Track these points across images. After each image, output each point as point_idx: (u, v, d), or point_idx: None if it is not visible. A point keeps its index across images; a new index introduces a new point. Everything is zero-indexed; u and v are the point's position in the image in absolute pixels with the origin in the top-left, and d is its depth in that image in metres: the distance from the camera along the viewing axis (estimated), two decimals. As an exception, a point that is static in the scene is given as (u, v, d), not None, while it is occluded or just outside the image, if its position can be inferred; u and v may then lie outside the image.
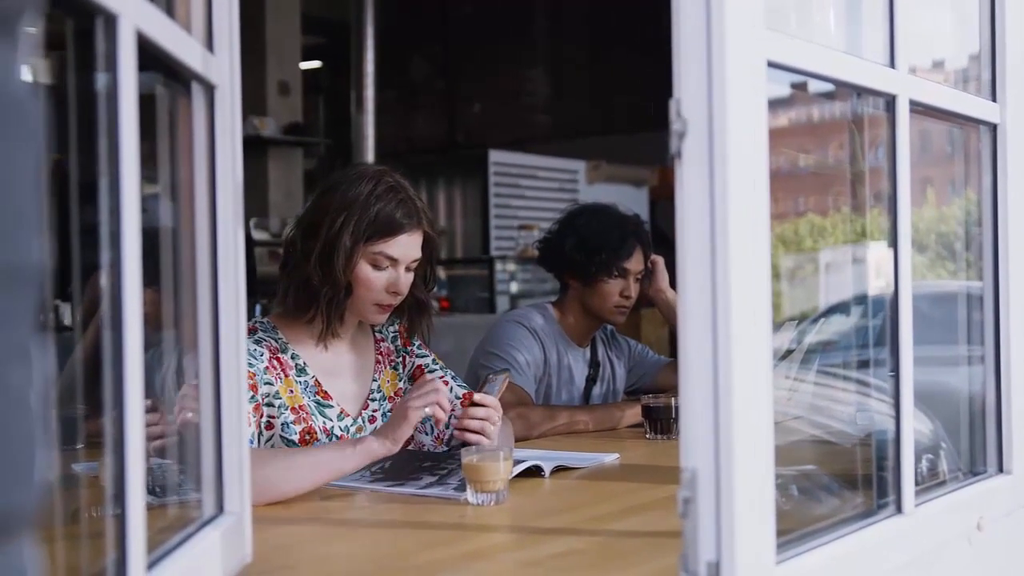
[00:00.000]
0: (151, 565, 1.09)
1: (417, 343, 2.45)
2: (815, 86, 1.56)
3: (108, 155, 1.01)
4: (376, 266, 2.20)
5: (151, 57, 1.12)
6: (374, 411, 2.33)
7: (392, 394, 2.37)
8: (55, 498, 1.12)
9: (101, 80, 1.02)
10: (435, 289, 2.54)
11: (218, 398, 1.37)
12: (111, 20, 1.00)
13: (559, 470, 2.18)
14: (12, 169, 0.57)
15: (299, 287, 2.21)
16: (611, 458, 2.35)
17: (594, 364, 3.15)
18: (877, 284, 1.92)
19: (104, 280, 1.01)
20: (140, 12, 1.05)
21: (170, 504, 1.46)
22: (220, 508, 1.37)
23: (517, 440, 2.67)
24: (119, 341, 1.01)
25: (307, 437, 2.18)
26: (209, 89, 1.35)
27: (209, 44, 1.35)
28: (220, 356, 1.37)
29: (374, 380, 2.36)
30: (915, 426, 1.56)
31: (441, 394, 2.01)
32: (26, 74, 0.60)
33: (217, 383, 1.37)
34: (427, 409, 1.97)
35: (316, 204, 2.24)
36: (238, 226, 1.39)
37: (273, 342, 2.21)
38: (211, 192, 1.36)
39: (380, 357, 2.39)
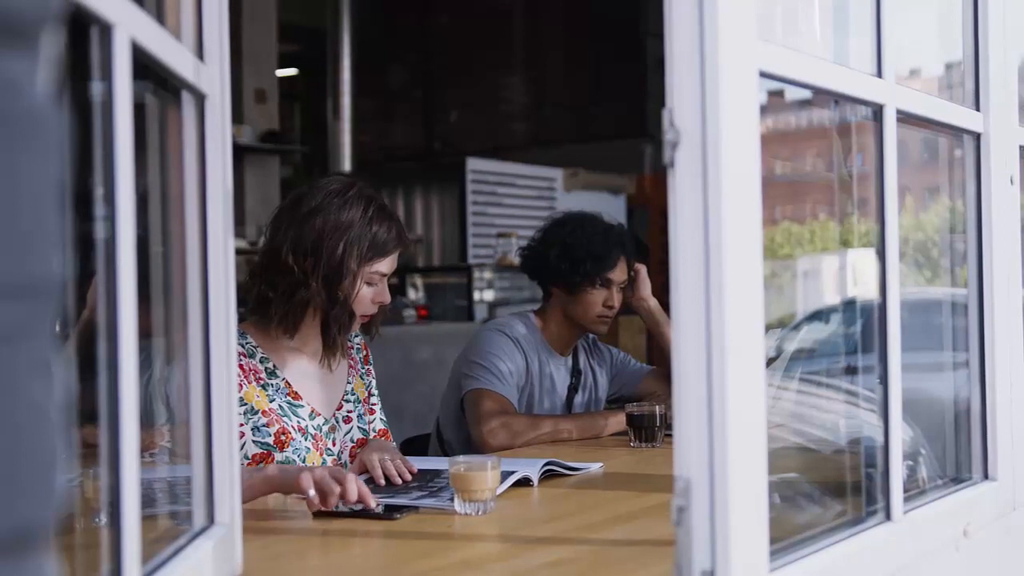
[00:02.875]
0: (145, 578, 1.08)
1: (370, 364, 2.54)
2: (792, 94, 1.56)
3: (103, 163, 1.00)
4: (370, 283, 2.30)
5: (142, 66, 1.11)
6: (349, 411, 2.41)
7: (363, 399, 2.46)
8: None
9: (95, 89, 1.01)
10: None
11: (208, 409, 1.36)
12: (106, 29, 0.99)
13: (548, 477, 2.19)
14: (34, 182, 0.57)
15: (299, 307, 2.25)
16: (596, 467, 2.36)
17: (576, 373, 3.15)
18: (856, 291, 1.93)
19: (100, 290, 1.00)
20: (135, 21, 1.04)
21: (158, 515, 1.45)
22: (211, 519, 1.36)
23: (501, 449, 2.68)
24: (114, 351, 1.00)
25: (282, 438, 2.23)
26: (200, 98, 1.34)
27: (200, 53, 1.34)
28: (210, 366, 1.37)
29: (348, 382, 2.43)
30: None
31: (330, 500, 1.84)
32: (47, 85, 0.59)
33: (208, 394, 1.36)
34: (311, 492, 1.82)
35: (302, 225, 2.25)
36: (228, 235, 1.39)
37: (240, 347, 2.22)
38: (201, 202, 1.36)
39: (352, 362, 2.47)
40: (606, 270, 2.99)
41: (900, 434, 1.54)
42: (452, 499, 1.89)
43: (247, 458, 2.18)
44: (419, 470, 2.20)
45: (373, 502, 1.86)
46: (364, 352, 2.53)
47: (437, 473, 2.17)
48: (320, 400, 2.34)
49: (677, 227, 1.18)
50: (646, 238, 7.43)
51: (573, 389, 3.13)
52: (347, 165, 8.78)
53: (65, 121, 0.62)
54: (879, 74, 1.53)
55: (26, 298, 0.57)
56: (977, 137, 1.84)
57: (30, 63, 0.58)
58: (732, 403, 1.16)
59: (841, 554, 1.40)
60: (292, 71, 10.30)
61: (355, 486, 1.83)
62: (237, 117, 7.40)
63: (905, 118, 1.60)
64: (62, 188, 0.61)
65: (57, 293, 0.61)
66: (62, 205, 0.61)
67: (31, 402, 0.57)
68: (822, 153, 1.98)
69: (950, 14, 1.92)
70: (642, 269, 3.12)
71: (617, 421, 2.84)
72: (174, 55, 1.21)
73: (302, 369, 2.34)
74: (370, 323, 2.40)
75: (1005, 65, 1.86)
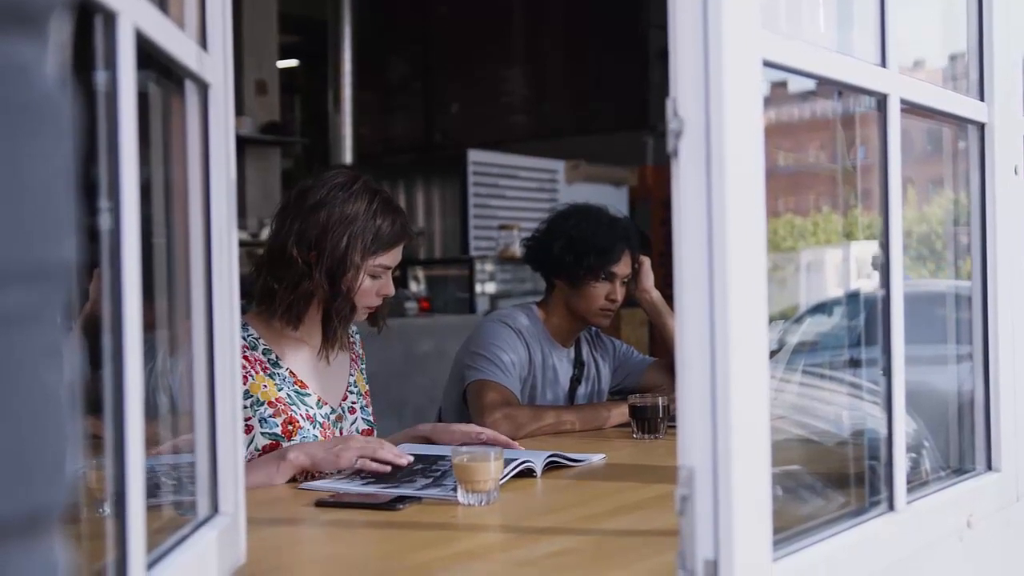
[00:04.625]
0: (150, 565, 1.08)
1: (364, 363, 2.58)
2: (796, 85, 1.56)
3: (107, 153, 1.00)
4: (373, 276, 2.31)
5: (146, 55, 1.11)
6: (352, 403, 2.43)
7: (363, 391, 2.49)
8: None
9: (99, 77, 1.01)
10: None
11: (212, 398, 1.36)
12: (110, 18, 0.99)
13: (551, 468, 2.19)
14: (46, 167, 0.57)
15: (303, 299, 2.28)
16: (599, 458, 2.36)
17: (579, 364, 3.15)
18: (860, 283, 1.93)
19: (104, 281, 1.00)
20: (139, 10, 1.04)
21: (162, 504, 1.45)
22: (215, 508, 1.36)
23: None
24: (118, 342, 1.00)
25: (289, 427, 2.25)
26: (203, 88, 1.34)
27: (203, 42, 1.34)
28: (214, 356, 1.37)
29: (351, 375, 2.45)
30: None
31: (379, 452, 2.11)
32: (56, 70, 0.59)
33: (211, 383, 1.36)
34: (359, 463, 2.09)
35: (307, 218, 2.27)
36: (232, 225, 1.39)
37: (242, 340, 2.23)
38: (205, 191, 1.36)
39: (353, 355, 2.49)
40: (610, 264, 2.99)
41: (904, 425, 1.54)
42: (455, 489, 1.89)
43: (257, 449, 2.20)
44: (421, 455, 2.21)
45: (404, 460, 2.10)
46: (361, 351, 2.56)
47: (440, 457, 2.18)
48: (325, 390, 2.37)
49: (680, 216, 1.18)
50: (648, 230, 7.43)
51: (576, 381, 3.13)
52: (348, 157, 8.78)
53: (74, 107, 0.62)
54: (883, 64, 1.53)
55: (37, 283, 0.58)
56: (981, 127, 1.83)
57: (40, 49, 0.58)
58: (735, 392, 1.16)
59: (844, 544, 1.40)
60: (293, 62, 10.30)
61: (387, 451, 2.11)
62: (238, 108, 7.36)
63: (909, 108, 1.60)
64: (72, 174, 0.61)
65: (68, 279, 0.61)
66: (73, 191, 0.61)
67: (43, 386, 0.57)
68: (825, 145, 1.98)
69: (956, 4, 1.92)
70: (645, 261, 3.12)
71: (620, 412, 2.84)
72: (177, 44, 1.21)
73: (305, 360, 2.36)
74: (376, 315, 2.41)
75: (1010, 55, 1.86)
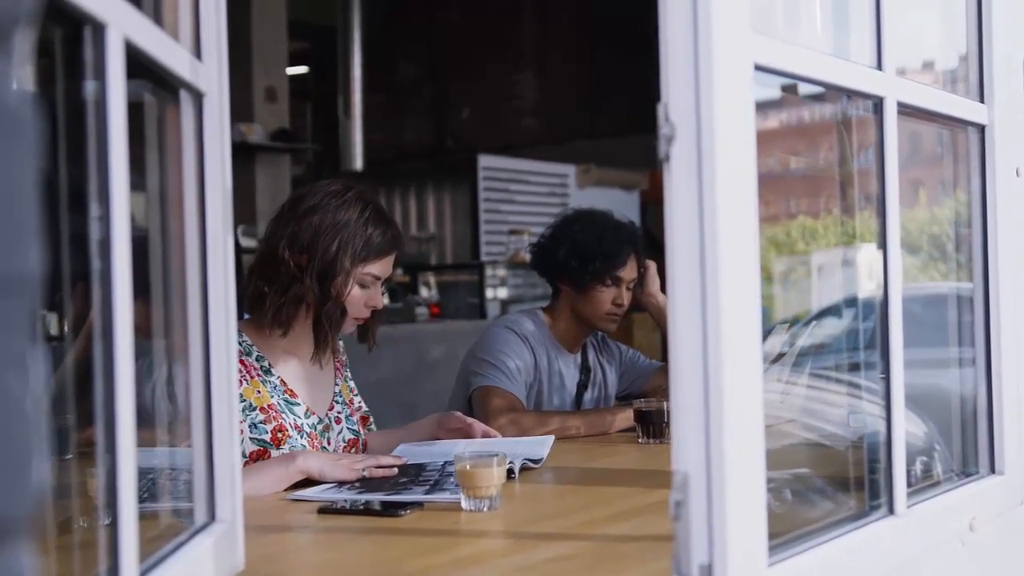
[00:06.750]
0: (143, 573, 1.08)
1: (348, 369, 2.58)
2: (804, 88, 1.56)
3: (97, 163, 1.00)
4: (362, 285, 2.33)
5: (138, 65, 1.11)
6: (338, 413, 2.45)
7: (347, 401, 2.50)
8: (46, 508, 1.12)
9: (89, 88, 1.02)
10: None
11: (209, 407, 1.37)
12: (99, 28, 0.99)
13: (525, 469, 2.23)
14: (10, 178, 0.57)
15: (293, 303, 2.29)
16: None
17: (585, 370, 3.15)
18: (869, 286, 1.92)
19: (95, 290, 1.00)
20: (129, 20, 1.05)
21: (160, 511, 1.45)
22: (212, 516, 1.37)
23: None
24: (110, 351, 1.00)
25: (279, 435, 2.27)
26: (198, 97, 1.34)
27: (197, 52, 1.35)
28: (211, 364, 1.37)
29: (336, 384, 2.47)
30: (909, 429, 1.56)
31: (382, 461, 2.19)
32: (21, 83, 0.60)
33: (208, 391, 1.37)
34: (365, 473, 2.13)
35: (300, 222, 2.29)
36: (227, 234, 1.39)
37: (236, 346, 2.25)
38: (200, 200, 1.36)
39: (338, 365, 2.51)
40: (616, 268, 2.99)
41: (903, 428, 1.53)
42: (452, 491, 1.90)
43: (244, 455, 2.21)
44: (409, 465, 2.22)
45: (403, 461, 2.21)
46: (345, 357, 2.57)
47: (423, 467, 2.21)
48: (313, 400, 2.39)
49: (673, 222, 1.18)
50: (660, 235, 7.41)
51: (583, 386, 3.13)
52: (358, 163, 8.79)
53: (40, 119, 0.62)
54: (879, 66, 1.52)
55: (4, 293, 0.58)
56: (982, 129, 1.83)
57: (3, 60, 0.58)
58: (729, 397, 1.16)
59: (842, 548, 1.39)
60: (302, 69, 10.31)
61: (383, 460, 2.19)
62: (247, 116, 7.40)
63: (907, 111, 1.59)
64: (38, 185, 0.62)
65: (36, 288, 0.61)
66: (39, 202, 0.62)
67: (7, 395, 0.58)
68: (835, 147, 1.98)
69: (955, 6, 1.91)
70: (652, 265, 3.12)
71: (624, 417, 2.83)
72: (170, 54, 1.21)
73: (294, 369, 2.37)
74: (366, 331, 2.42)
75: (1010, 56, 1.85)
